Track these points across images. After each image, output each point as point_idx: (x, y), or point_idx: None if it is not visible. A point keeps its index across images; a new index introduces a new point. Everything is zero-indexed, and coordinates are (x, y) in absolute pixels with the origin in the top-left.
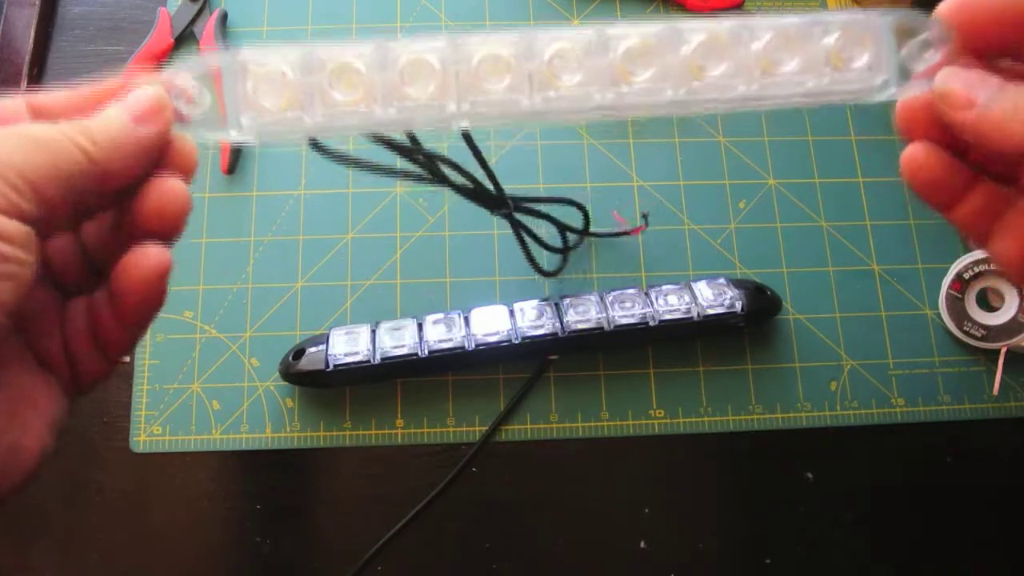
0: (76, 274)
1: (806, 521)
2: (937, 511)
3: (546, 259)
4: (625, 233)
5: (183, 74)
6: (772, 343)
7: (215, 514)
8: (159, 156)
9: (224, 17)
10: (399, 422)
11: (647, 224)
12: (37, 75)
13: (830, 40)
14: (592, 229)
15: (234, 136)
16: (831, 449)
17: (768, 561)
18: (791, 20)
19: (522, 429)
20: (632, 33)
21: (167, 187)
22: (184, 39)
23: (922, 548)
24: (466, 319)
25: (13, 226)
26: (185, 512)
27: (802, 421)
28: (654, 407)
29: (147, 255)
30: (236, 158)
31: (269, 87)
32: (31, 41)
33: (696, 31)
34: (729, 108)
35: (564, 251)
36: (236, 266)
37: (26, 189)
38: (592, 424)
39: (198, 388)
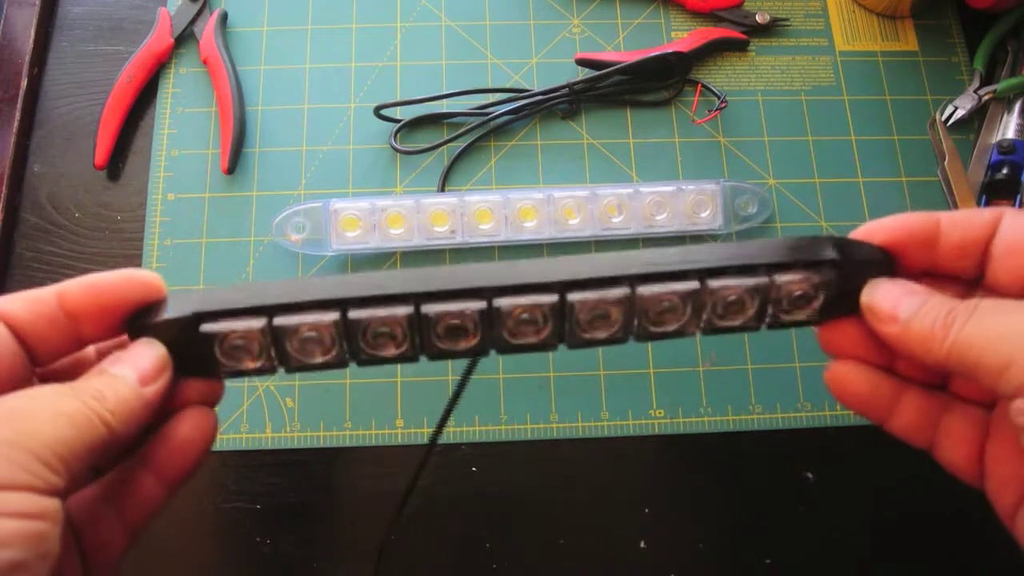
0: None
1: (806, 521)
2: (938, 511)
3: None
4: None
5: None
6: (772, 343)
7: (215, 514)
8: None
9: (224, 17)
10: (399, 422)
11: (726, 103)
12: (37, 75)
13: (688, 199)
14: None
15: (328, 253)
16: (831, 449)
17: (768, 561)
18: (664, 187)
19: (522, 429)
20: (567, 195)
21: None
22: (184, 39)
23: (923, 548)
24: None
25: (50, 503)
26: (185, 512)
27: (802, 421)
28: (654, 407)
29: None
30: (236, 158)
31: (348, 223)
32: (31, 41)
33: (607, 194)
34: (625, 238)
35: None
36: (236, 266)
37: (59, 466)
38: (592, 424)
39: None
